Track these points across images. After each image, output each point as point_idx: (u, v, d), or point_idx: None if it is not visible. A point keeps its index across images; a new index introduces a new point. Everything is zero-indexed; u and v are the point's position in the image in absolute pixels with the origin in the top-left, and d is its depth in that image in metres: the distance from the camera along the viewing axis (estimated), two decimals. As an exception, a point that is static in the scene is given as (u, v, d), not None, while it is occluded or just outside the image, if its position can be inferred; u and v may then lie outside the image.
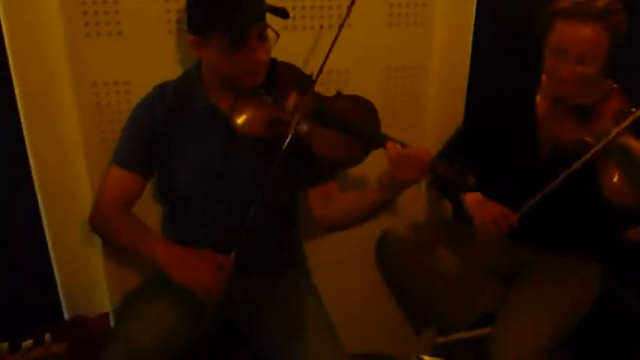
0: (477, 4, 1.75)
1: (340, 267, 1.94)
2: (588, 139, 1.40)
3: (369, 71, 1.73)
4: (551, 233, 1.64)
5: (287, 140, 1.28)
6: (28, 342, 1.01)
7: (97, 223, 1.45)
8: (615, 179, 1.36)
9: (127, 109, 1.50)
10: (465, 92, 1.86)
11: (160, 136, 1.40)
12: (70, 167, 1.59)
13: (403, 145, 1.28)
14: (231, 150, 1.40)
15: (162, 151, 1.41)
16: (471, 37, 1.79)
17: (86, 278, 1.74)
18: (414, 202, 1.94)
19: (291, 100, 1.37)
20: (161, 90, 1.41)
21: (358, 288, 1.99)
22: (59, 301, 1.76)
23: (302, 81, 1.40)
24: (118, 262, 1.70)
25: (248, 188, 1.37)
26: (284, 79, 1.38)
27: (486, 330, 1.83)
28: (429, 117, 1.84)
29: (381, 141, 1.31)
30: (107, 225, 1.44)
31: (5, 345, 0.98)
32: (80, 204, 1.62)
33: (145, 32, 1.49)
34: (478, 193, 1.63)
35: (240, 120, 1.33)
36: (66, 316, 1.76)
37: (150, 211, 1.62)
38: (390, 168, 1.28)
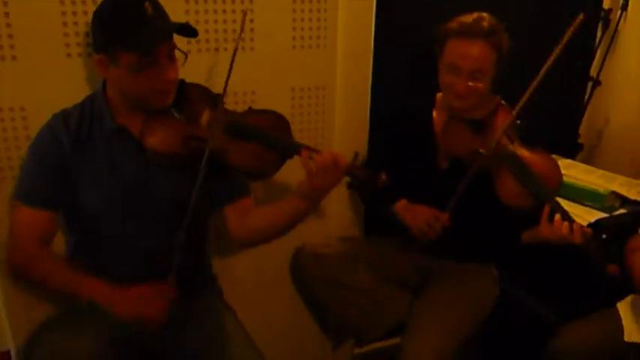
0: (375, 28, 1.84)
1: (255, 284, 1.94)
2: (482, 150, 1.51)
3: (275, 91, 1.76)
4: (453, 242, 1.72)
5: (206, 155, 1.29)
6: None
7: (22, 267, 1.37)
8: (509, 185, 1.47)
9: (24, 135, 1.44)
10: (367, 110, 1.94)
11: (67, 166, 1.34)
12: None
13: (317, 151, 1.32)
14: (146, 172, 1.37)
15: (71, 182, 1.35)
16: (371, 58, 1.88)
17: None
18: (328, 218, 1.99)
19: (204, 116, 1.38)
20: (62, 117, 1.36)
21: (274, 304, 1.99)
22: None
23: (212, 98, 1.41)
24: (20, 297, 1.61)
25: (167, 210, 1.35)
26: (194, 97, 1.39)
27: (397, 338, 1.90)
28: (336, 135, 1.90)
29: (295, 149, 1.34)
30: (33, 268, 1.36)
31: None
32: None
33: (41, 56, 1.44)
34: (404, 200, 1.70)
35: (153, 140, 1.32)
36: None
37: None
38: (307, 176, 1.31)
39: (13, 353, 1.63)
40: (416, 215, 1.64)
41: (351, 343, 2.14)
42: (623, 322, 1.58)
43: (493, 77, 1.61)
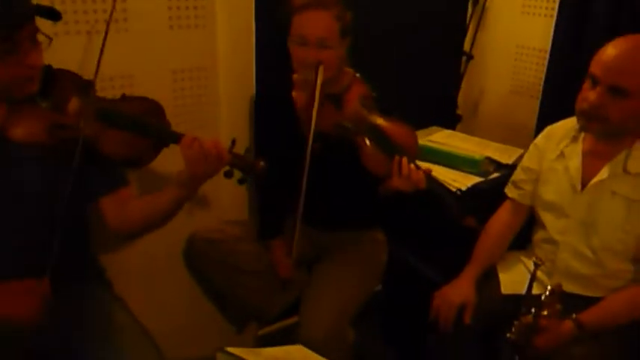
0: (256, 6, 1.83)
1: (147, 275, 1.89)
2: (346, 123, 1.57)
3: (154, 74, 1.71)
4: (335, 213, 1.78)
5: (79, 144, 1.23)
6: None
7: None
8: (369, 151, 1.54)
9: None
10: (253, 90, 1.92)
11: None
12: None
13: (194, 139, 1.31)
14: (12, 166, 1.28)
15: None
16: (253, 38, 1.86)
17: None
18: (217, 203, 1.98)
19: (73, 104, 1.31)
20: None
21: (170, 294, 1.96)
22: None
23: (81, 85, 1.35)
24: None
25: (37, 205, 1.29)
26: (61, 84, 1.32)
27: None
28: (221, 115, 1.88)
29: (170, 136, 1.33)
30: None
31: None
32: None
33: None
34: None
35: (17, 130, 1.25)
36: None
37: None
38: (186, 164, 1.30)
39: None
40: None
41: (254, 325, 2.15)
42: (500, 277, 1.70)
43: (344, 52, 1.66)
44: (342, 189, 1.71)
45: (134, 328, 1.39)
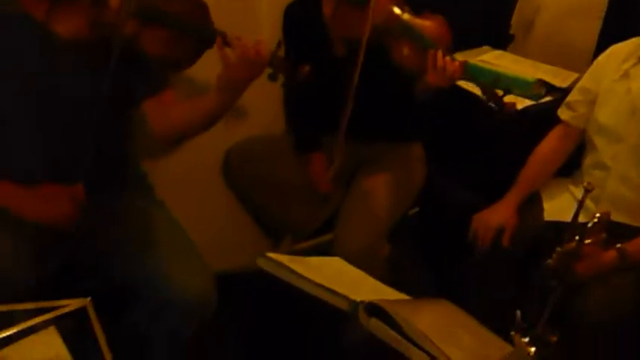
0: None
1: (187, 185, 1.91)
2: (376, 25, 1.51)
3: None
4: (370, 122, 1.72)
5: (117, 43, 1.21)
6: None
7: None
8: (402, 50, 1.52)
9: None
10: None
11: None
12: None
13: (237, 39, 1.27)
14: (54, 63, 1.27)
15: None
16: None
17: None
18: (253, 117, 1.95)
19: (114, 0, 1.27)
20: None
21: (208, 205, 1.98)
22: None
23: None
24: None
25: (77, 107, 1.28)
26: None
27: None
28: (262, 20, 1.83)
29: (213, 35, 1.29)
30: None
31: None
32: None
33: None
34: None
35: (60, 25, 1.23)
36: None
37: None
38: (225, 66, 1.27)
39: None
40: None
41: (290, 239, 2.18)
42: (544, 204, 1.67)
43: None
44: (375, 95, 1.65)
45: (176, 234, 1.42)
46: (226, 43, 1.28)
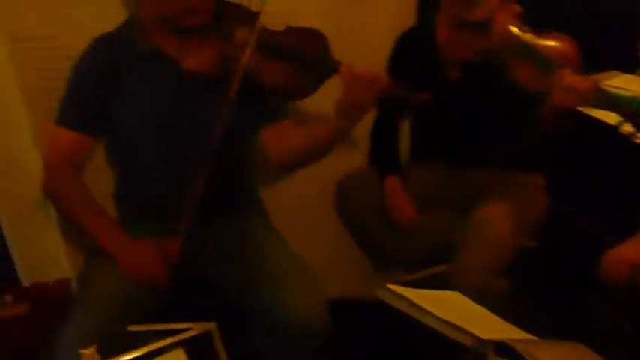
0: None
1: (301, 212, 1.94)
2: (494, 47, 1.49)
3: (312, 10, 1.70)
4: (484, 148, 1.68)
5: (239, 75, 1.26)
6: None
7: (47, 187, 1.42)
8: (525, 72, 1.45)
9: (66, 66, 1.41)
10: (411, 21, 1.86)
11: (103, 89, 1.34)
12: (13, 131, 1.52)
13: (355, 68, 1.28)
14: (181, 94, 1.36)
15: (107, 106, 1.36)
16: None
17: (42, 245, 1.69)
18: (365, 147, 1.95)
19: (240, 35, 1.33)
20: (100, 41, 1.36)
21: (319, 233, 1.99)
22: (15, 270, 1.71)
23: (249, 17, 1.36)
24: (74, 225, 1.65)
25: (202, 133, 1.33)
26: (230, 16, 1.35)
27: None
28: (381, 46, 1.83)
29: (334, 67, 1.31)
30: (57, 189, 1.40)
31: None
32: (27, 169, 1.56)
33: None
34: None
35: (189, 59, 1.30)
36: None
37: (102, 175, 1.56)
38: (346, 92, 1.27)
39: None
40: None
41: (401, 271, 2.14)
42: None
43: None
44: (492, 119, 1.60)
45: (289, 257, 1.43)
46: (345, 70, 1.29)
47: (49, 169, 1.40)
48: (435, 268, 2.12)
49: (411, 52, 1.74)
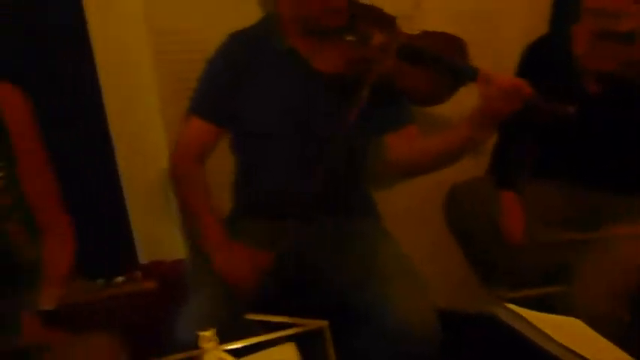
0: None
1: (406, 218, 1.91)
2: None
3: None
4: (619, 171, 1.59)
5: (372, 79, 1.25)
6: (120, 278, 1.03)
7: (174, 171, 1.48)
8: None
9: (201, 58, 1.47)
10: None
11: (237, 84, 1.38)
12: (144, 115, 1.61)
13: (495, 76, 1.24)
14: (312, 94, 1.37)
15: (240, 100, 1.39)
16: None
17: (161, 226, 1.77)
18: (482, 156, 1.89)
19: (376, 38, 1.33)
20: (238, 36, 1.40)
21: (426, 241, 1.96)
22: (133, 248, 1.81)
23: (385, 20, 1.36)
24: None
25: (327, 133, 1.35)
26: (367, 19, 1.35)
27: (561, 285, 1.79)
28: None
29: (472, 73, 1.27)
30: (182, 175, 1.46)
31: (102, 281, 1.01)
32: (154, 152, 1.64)
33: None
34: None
35: (322, 60, 1.32)
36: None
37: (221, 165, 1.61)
38: (484, 101, 1.23)
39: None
40: None
41: (505, 287, 2.06)
42: None
43: None
44: (632, 137, 1.52)
45: (401, 261, 1.41)
46: (484, 78, 1.25)
47: (177, 156, 1.46)
48: (547, 288, 2.02)
49: (543, 62, 1.67)
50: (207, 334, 1.04)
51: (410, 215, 1.93)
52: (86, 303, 1.02)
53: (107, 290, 1.00)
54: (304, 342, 1.11)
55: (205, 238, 1.39)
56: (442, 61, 1.32)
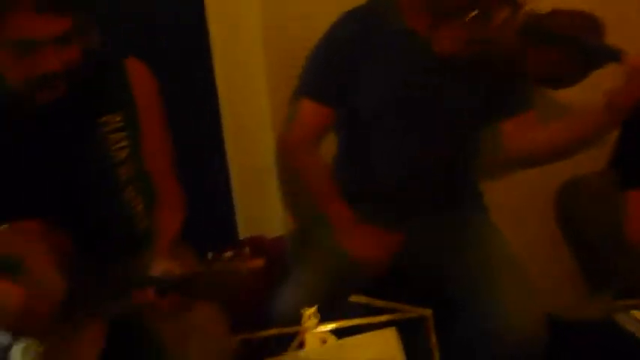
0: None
1: (508, 213, 1.82)
2: None
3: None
4: None
5: (495, 60, 1.19)
6: (229, 253, 1.05)
7: (284, 153, 1.46)
8: None
9: (312, 37, 1.44)
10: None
11: (350, 63, 1.34)
12: (253, 92, 1.64)
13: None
14: (429, 75, 1.32)
15: (354, 81, 1.35)
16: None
17: (262, 204, 1.80)
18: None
19: (499, 17, 1.25)
20: (351, 15, 1.36)
21: (533, 238, 1.86)
22: (234, 223, 1.86)
23: None
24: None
25: (444, 120, 1.31)
26: None
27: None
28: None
29: (613, 55, 1.15)
30: (293, 158, 1.43)
31: (211, 254, 1.03)
32: (261, 131, 1.67)
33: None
34: None
35: (442, 40, 1.26)
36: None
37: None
38: (628, 85, 1.12)
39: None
40: None
41: (609, 294, 1.93)
42: None
43: None
44: None
45: (513, 260, 1.35)
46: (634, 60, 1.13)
47: (292, 140, 1.43)
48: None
49: None
50: (310, 311, 1.04)
51: (512, 211, 1.83)
52: (194, 274, 1.05)
53: (216, 264, 1.02)
54: (403, 328, 1.09)
55: (335, 218, 1.36)
56: (575, 41, 1.23)
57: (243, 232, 1.87)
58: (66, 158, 1.20)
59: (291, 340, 1.04)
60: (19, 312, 1.13)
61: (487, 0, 1.25)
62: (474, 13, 1.23)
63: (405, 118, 1.36)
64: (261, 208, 1.81)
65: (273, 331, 1.05)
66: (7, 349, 1.30)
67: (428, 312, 1.07)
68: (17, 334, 1.29)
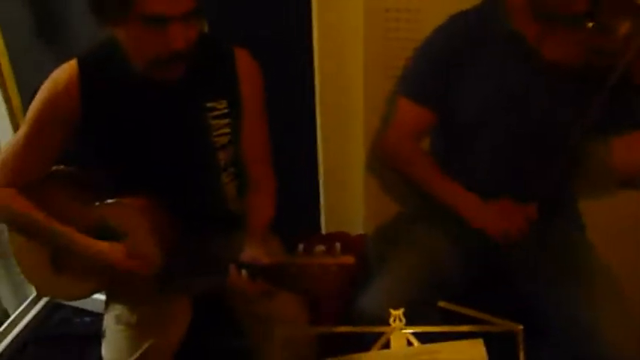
0: None
1: (604, 231, 1.73)
2: None
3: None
4: None
5: (614, 73, 1.13)
6: (321, 247, 1.06)
7: (385, 154, 1.47)
8: None
9: (414, 37, 1.45)
10: None
11: (456, 68, 1.32)
12: (349, 88, 1.65)
13: None
14: (536, 84, 1.27)
15: (456, 84, 1.33)
16: None
17: (345, 200, 1.82)
18: None
19: (621, 28, 1.18)
20: (460, 18, 1.33)
21: (625, 260, 1.76)
22: (319, 218, 1.87)
23: (633, 7, 1.20)
24: (379, 190, 1.73)
25: (546, 131, 1.27)
26: (611, 5, 1.20)
27: None
28: None
29: None
30: (396, 157, 1.44)
31: (301, 246, 1.05)
32: (353, 128, 1.67)
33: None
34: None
35: (554, 49, 1.21)
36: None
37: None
38: None
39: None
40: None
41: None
42: None
43: None
44: None
45: (613, 282, 1.29)
46: None
47: (392, 140, 1.43)
48: None
49: None
50: (398, 312, 1.04)
51: (609, 229, 1.74)
52: (285, 264, 1.06)
53: (306, 257, 1.03)
54: (489, 341, 1.06)
55: (461, 204, 1.35)
56: None
57: (326, 227, 1.89)
58: (173, 139, 1.25)
59: (372, 340, 1.04)
60: (118, 266, 1.21)
61: (608, 9, 1.19)
62: (591, 24, 1.17)
63: (506, 127, 1.32)
64: (344, 205, 1.82)
65: (360, 328, 1.05)
66: (102, 317, 1.38)
67: (519, 327, 1.04)
68: (113, 297, 1.37)
